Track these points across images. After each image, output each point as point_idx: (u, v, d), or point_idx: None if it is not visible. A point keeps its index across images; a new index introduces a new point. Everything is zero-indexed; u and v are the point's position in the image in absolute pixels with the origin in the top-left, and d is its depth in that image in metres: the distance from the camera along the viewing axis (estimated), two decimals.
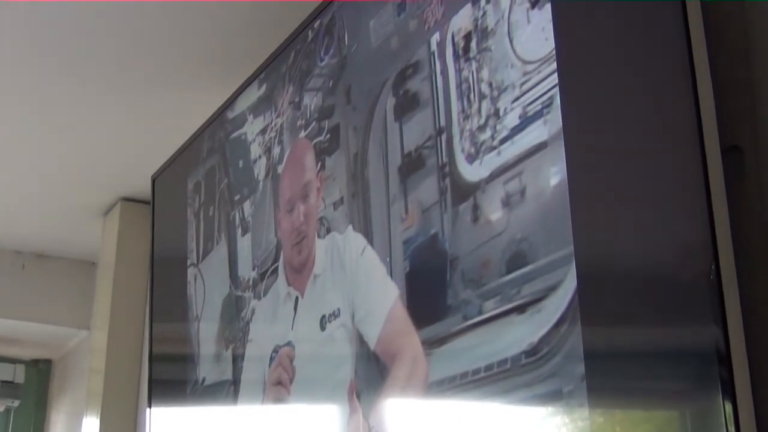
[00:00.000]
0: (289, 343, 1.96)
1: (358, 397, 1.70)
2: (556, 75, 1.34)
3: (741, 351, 1.08)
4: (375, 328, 1.68)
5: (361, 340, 1.71)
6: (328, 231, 1.86)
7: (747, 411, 1.06)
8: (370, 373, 1.68)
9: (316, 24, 2.01)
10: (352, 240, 1.77)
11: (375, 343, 1.67)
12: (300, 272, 1.95)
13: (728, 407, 1.05)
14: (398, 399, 1.61)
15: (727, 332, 1.07)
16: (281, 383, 1.96)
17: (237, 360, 2.20)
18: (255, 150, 2.24)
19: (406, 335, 1.58)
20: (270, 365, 2.02)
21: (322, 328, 1.83)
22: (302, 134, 2.02)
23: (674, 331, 1.14)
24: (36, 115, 2.90)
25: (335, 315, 1.79)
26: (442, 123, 1.57)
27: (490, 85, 1.47)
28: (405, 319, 1.59)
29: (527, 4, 1.41)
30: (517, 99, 1.41)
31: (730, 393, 1.05)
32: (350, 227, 1.78)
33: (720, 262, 1.09)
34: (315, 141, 1.96)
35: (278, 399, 1.98)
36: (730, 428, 1.04)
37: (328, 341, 1.82)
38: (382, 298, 1.66)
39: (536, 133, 1.36)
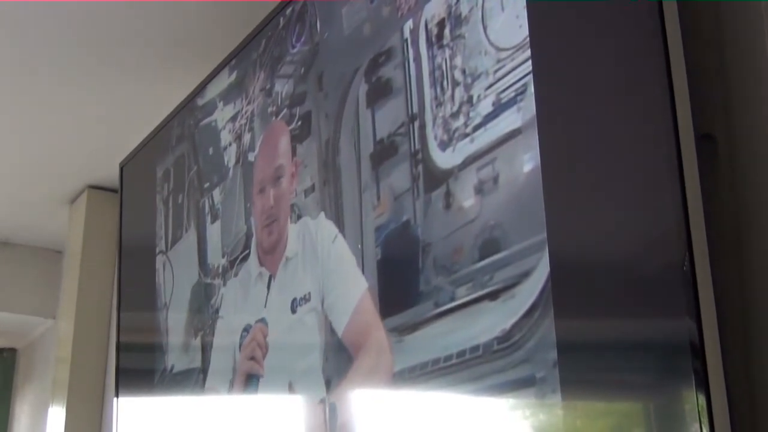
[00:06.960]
0: (262, 320, 1.95)
1: (327, 381, 1.70)
2: (530, 62, 1.33)
3: (714, 342, 1.07)
4: (342, 317, 1.68)
5: (330, 326, 1.70)
6: (299, 217, 1.85)
7: (720, 403, 1.05)
8: (339, 359, 1.67)
9: (288, 11, 2.00)
10: (324, 227, 1.76)
11: (342, 332, 1.67)
12: (271, 254, 1.95)
13: (701, 399, 1.04)
14: (363, 387, 1.61)
15: (701, 323, 1.07)
16: (254, 359, 1.95)
17: (206, 347, 2.18)
18: (225, 137, 2.22)
19: (373, 327, 1.58)
20: (240, 344, 2.01)
21: (293, 311, 1.83)
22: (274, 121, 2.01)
23: (647, 319, 1.14)
24: (1, 103, 2.86)
25: (306, 299, 1.79)
26: (415, 110, 1.56)
27: (464, 72, 1.46)
28: (373, 313, 1.58)
29: None
30: (490, 86, 1.40)
31: (703, 385, 1.05)
32: (322, 214, 1.78)
33: (693, 252, 1.09)
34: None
35: (250, 374, 1.97)
36: (703, 420, 1.04)
37: (298, 324, 1.81)
38: (350, 288, 1.66)
39: (510, 120, 1.35)
